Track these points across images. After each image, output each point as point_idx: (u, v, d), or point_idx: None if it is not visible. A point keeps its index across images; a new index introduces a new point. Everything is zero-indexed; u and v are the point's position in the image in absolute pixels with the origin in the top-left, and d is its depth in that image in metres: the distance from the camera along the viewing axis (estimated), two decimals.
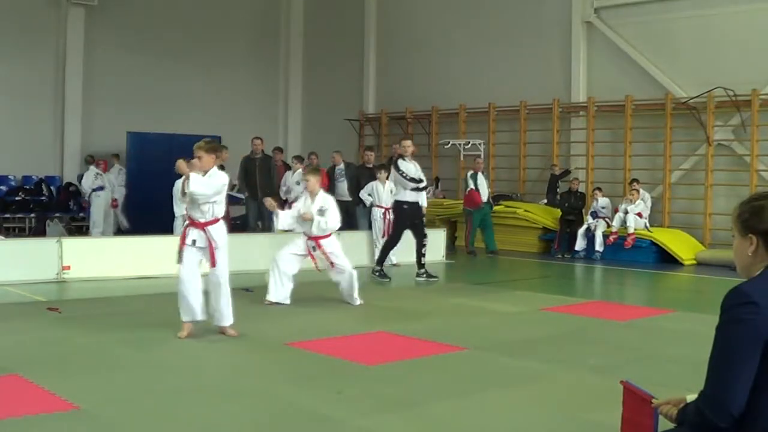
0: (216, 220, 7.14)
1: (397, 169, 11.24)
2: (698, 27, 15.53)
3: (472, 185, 15.31)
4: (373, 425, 4.74)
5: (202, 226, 7.08)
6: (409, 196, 11.21)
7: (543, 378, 5.92)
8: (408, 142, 11.53)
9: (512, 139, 18.26)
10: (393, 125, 20.74)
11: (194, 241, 7.08)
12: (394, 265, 13.17)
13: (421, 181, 11.35)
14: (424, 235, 11.57)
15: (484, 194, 15.45)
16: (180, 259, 7.07)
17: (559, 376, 5.96)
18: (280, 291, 8.92)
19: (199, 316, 7.09)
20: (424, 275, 11.40)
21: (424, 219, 11.86)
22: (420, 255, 11.48)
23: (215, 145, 7.44)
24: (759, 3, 14.67)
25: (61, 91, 19.35)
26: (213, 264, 7.10)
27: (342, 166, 15.31)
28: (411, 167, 11.25)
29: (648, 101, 16.04)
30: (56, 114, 19.38)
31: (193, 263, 7.12)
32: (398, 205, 11.43)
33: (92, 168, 16.74)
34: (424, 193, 14.72)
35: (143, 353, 6.57)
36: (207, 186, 6.99)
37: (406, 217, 11.34)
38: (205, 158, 7.07)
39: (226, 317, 7.23)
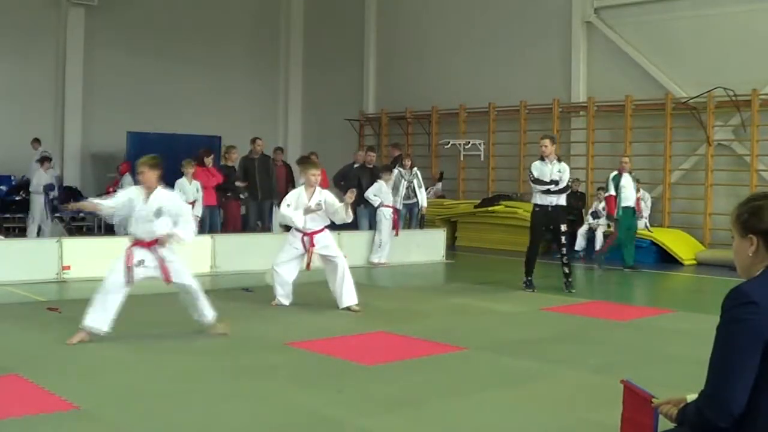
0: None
1: (529, 169, 10.80)
2: (698, 27, 15.52)
3: (612, 190, 13.28)
4: (373, 425, 4.74)
5: (149, 245, 6.94)
6: (539, 199, 10.56)
7: (543, 378, 5.92)
8: (545, 142, 10.69)
9: (512, 139, 18.24)
10: (393, 125, 20.73)
11: (141, 262, 6.91)
12: (380, 264, 13.12)
13: (553, 182, 10.39)
14: (562, 244, 10.67)
15: (630, 198, 13.32)
16: (130, 280, 6.87)
17: (559, 376, 5.96)
18: (282, 294, 8.94)
19: (105, 329, 6.84)
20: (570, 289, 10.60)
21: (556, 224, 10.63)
22: (563, 264, 10.68)
23: (159, 161, 7.16)
24: (759, 3, 14.67)
25: (61, 91, 19.35)
26: (168, 279, 6.97)
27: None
28: (545, 169, 10.49)
29: (648, 101, 16.04)
30: (56, 114, 19.39)
31: (132, 282, 6.94)
32: (532, 208, 10.83)
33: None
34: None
35: (143, 353, 6.57)
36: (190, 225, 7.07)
37: (538, 221, 10.70)
38: (148, 174, 6.98)
39: (209, 315, 7.14)
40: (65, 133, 19.26)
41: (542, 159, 10.61)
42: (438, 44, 19.70)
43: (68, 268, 10.75)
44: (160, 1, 20.75)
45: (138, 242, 6.96)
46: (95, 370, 5.97)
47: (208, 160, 13.90)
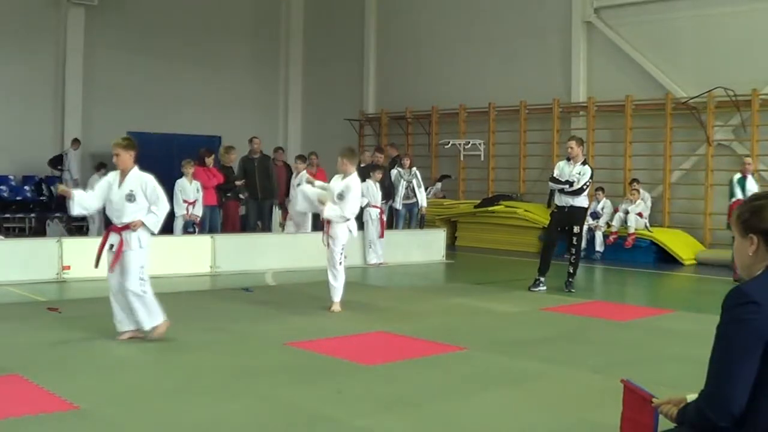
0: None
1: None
2: (698, 27, 15.52)
3: (739, 194, 11.89)
4: (373, 425, 4.74)
5: (120, 230, 6.83)
6: (557, 199, 10.70)
7: (543, 378, 5.92)
8: (570, 143, 10.72)
9: (512, 139, 18.24)
10: (393, 125, 20.73)
11: (111, 246, 6.83)
12: (379, 264, 13.07)
13: (567, 183, 10.43)
14: (574, 245, 10.66)
15: None
16: (97, 264, 6.88)
17: (559, 376, 5.96)
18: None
19: (133, 325, 6.86)
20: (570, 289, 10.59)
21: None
22: (569, 264, 10.68)
23: (133, 142, 7.11)
24: (759, 3, 14.66)
25: (61, 91, 19.34)
26: (111, 268, 6.84)
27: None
28: (566, 169, 10.54)
29: (648, 101, 16.04)
30: (56, 114, 19.38)
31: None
32: (552, 209, 11.10)
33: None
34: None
35: (143, 353, 6.57)
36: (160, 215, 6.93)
37: (554, 222, 10.84)
38: (123, 155, 6.89)
39: (145, 324, 6.88)
40: (65, 133, 19.24)
41: (568, 159, 10.71)
42: (438, 44, 19.70)
43: (68, 268, 10.73)
44: (161, 1, 20.75)
45: (112, 227, 6.92)
46: (95, 369, 5.97)
47: (209, 160, 13.90)
